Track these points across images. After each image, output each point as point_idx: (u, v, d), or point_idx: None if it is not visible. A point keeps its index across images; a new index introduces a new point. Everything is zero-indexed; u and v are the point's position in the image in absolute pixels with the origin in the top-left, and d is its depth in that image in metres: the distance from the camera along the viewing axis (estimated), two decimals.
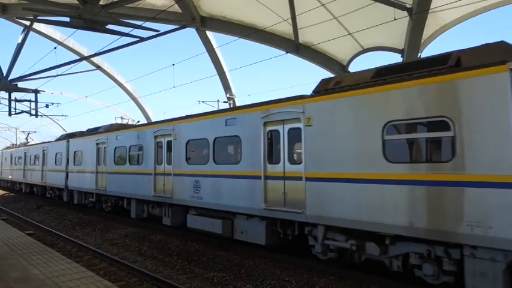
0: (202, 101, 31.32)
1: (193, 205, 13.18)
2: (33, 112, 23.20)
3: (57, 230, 16.49)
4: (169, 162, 14.41)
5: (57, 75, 15.37)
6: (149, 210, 16.26)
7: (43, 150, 27.54)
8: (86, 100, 35.27)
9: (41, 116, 33.87)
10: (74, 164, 22.20)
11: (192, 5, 22.65)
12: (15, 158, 35.31)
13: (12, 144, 43.58)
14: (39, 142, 31.87)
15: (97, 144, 19.61)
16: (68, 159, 23.11)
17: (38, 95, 21.31)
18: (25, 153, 32.07)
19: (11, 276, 7.51)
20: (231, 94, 29.07)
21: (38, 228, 17.05)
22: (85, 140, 21.23)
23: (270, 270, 9.92)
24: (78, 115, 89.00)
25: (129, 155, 16.85)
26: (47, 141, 29.51)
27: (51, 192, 26.82)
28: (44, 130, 56.64)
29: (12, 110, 20.58)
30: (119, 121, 39.28)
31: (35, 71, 13.11)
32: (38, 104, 22.69)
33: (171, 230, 14.98)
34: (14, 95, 19.90)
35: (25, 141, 39.60)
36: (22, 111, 24.06)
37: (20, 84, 16.00)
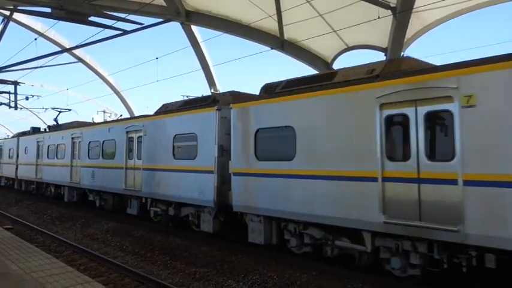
0: (187, 96, 31.14)
1: None
2: (12, 104, 22.75)
3: (37, 225, 16.19)
4: None
5: (38, 67, 15.03)
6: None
7: (127, 133, 16.22)
8: (67, 93, 34.51)
9: (21, 108, 33.04)
10: (258, 158, 10.71)
11: None
12: (47, 147, 23.46)
13: (32, 128, 29.80)
14: (113, 119, 19.59)
15: (385, 107, 8.16)
16: (220, 148, 11.91)
17: (18, 87, 20.92)
18: (73, 139, 20.56)
19: None
20: (215, 89, 28.93)
21: (17, 223, 16.73)
22: (311, 100, 9.49)
23: (253, 265, 9.97)
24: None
25: None
26: (133, 116, 17.92)
27: (154, 209, 14.73)
28: (24, 123, 55.48)
29: None
30: (101, 115, 37.99)
31: (14, 62, 12.81)
32: (18, 96, 22.22)
33: (153, 225, 14.85)
34: None
35: (54, 123, 26.87)
36: (1, 104, 23.54)
37: None
